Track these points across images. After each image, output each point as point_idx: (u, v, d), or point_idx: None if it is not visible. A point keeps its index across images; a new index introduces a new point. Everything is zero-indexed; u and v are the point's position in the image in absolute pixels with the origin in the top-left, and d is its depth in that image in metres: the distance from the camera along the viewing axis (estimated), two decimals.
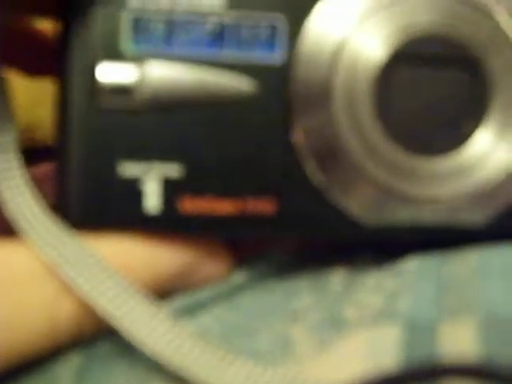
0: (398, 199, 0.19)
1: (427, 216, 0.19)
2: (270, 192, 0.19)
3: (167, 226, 0.19)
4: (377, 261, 0.21)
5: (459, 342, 0.17)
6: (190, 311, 0.20)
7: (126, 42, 0.18)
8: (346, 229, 0.19)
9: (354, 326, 0.18)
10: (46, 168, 0.21)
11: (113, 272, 0.18)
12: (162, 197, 0.18)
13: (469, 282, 0.19)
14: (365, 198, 0.19)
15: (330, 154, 0.19)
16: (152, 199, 0.18)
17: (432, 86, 0.19)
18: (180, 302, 0.20)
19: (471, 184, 0.19)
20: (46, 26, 0.23)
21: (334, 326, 0.19)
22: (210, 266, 0.20)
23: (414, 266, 0.20)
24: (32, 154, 0.21)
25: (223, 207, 0.19)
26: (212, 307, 0.20)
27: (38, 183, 0.20)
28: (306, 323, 0.19)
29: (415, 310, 0.18)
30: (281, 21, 0.18)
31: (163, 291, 0.19)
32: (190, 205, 0.18)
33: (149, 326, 0.17)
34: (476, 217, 0.20)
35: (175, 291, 0.20)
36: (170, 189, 0.18)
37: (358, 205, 0.19)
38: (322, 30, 0.19)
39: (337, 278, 0.20)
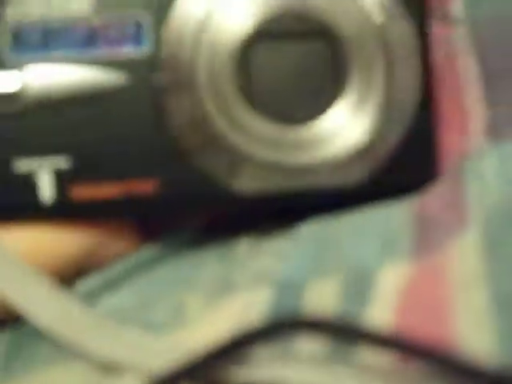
0: (266, 168, 0.20)
1: (303, 182, 0.20)
2: (150, 173, 0.20)
3: (62, 213, 0.20)
4: (278, 226, 0.22)
5: (322, 298, 0.18)
6: (101, 290, 0.21)
7: (7, 53, 0.20)
8: (226, 202, 0.21)
9: (240, 289, 0.19)
10: None
11: (17, 261, 0.19)
12: (55, 187, 0.20)
13: (344, 241, 0.20)
14: (236, 170, 0.20)
15: (200, 131, 0.20)
16: (46, 190, 0.20)
17: (292, 60, 0.20)
18: (94, 280, 0.21)
19: (341, 147, 0.20)
20: None
21: (226, 290, 0.20)
22: (115, 244, 0.21)
23: (303, 231, 0.21)
24: None
25: (110, 191, 0.20)
26: (121, 283, 0.21)
27: None
28: (202, 290, 0.20)
29: (290, 271, 0.19)
30: (145, 16, 0.20)
31: (74, 272, 0.21)
32: (81, 192, 0.20)
33: (41, 302, 0.19)
34: (352, 178, 0.21)
35: (86, 271, 0.21)
36: (62, 179, 0.20)
37: (231, 176, 0.20)
38: (183, 17, 0.20)
39: (242, 247, 0.21)
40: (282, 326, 0.17)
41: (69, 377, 0.19)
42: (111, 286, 0.21)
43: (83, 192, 0.20)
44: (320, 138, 0.20)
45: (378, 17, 0.20)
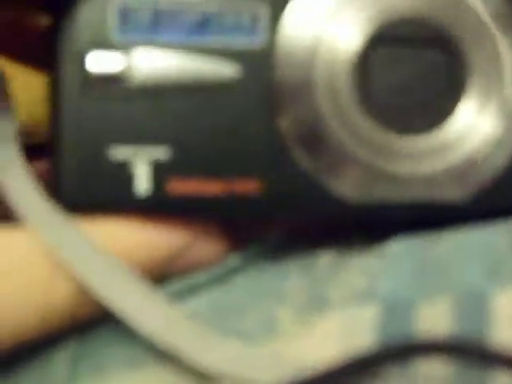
0: (381, 178, 0.20)
1: (410, 193, 0.20)
2: (257, 173, 0.19)
3: (157, 207, 0.19)
4: (364, 243, 0.21)
5: (434, 320, 0.18)
6: (185, 294, 0.20)
7: (114, 32, 0.19)
8: (331, 209, 0.20)
9: (335, 307, 0.19)
10: (44, 164, 0.22)
11: (107, 255, 0.18)
12: (151, 179, 0.19)
13: (448, 261, 0.19)
14: (350, 178, 0.20)
15: (315, 137, 0.19)
16: (142, 181, 0.19)
17: (410, 66, 0.20)
18: (174, 285, 0.20)
19: (454, 160, 0.20)
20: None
21: (318, 306, 0.19)
22: (204, 248, 0.20)
23: (397, 248, 0.20)
24: (32, 151, 0.22)
25: (210, 188, 0.19)
26: (205, 290, 0.20)
27: (37, 178, 0.20)
28: (291, 304, 0.19)
29: (393, 290, 0.19)
30: (262, 7, 0.19)
31: (158, 274, 0.20)
32: (179, 186, 0.19)
33: (143, 308, 0.18)
34: (458, 194, 0.20)
35: (171, 274, 0.20)
36: (159, 171, 0.19)
37: (343, 185, 0.20)
38: (301, 16, 0.19)
39: (325, 260, 0.21)
40: (396, 349, 0.16)
41: (155, 383, 0.18)
42: (193, 291, 0.20)
43: (181, 187, 0.19)
44: (438, 148, 0.20)
45: (492, 25, 0.20)
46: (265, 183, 0.19)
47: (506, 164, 0.20)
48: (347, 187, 0.20)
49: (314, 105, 0.19)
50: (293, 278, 0.20)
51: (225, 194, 0.19)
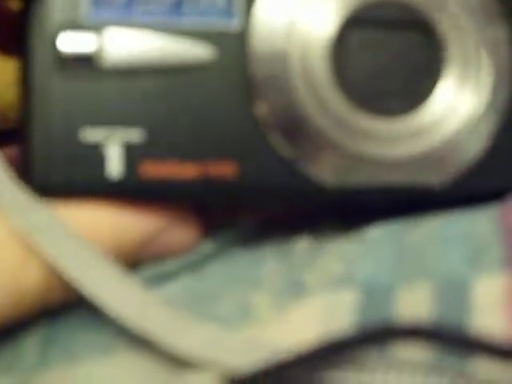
0: (360, 162, 0.19)
1: (389, 178, 0.20)
2: (232, 156, 0.19)
3: (130, 191, 0.19)
4: (342, 228, 0.21)
5: (414, 305, 0.18)
6: (158, 280, 0.20)
7: (86, 12, 0.18)
8: (309, 193, 0.20)
9: (313, 291, 0.19)
10: (15, 150, 0.21)
11: (79, 238, 0.18)
12: (124, 161, 0.18)
13: (428, 247, 0.19)
14: (328, 163, 0.19)
15: (292, 122, 0.19)
16: (114, 164, 0.18)
17: (387, 48, 0.19)
18: (148, 271, 0.20)
19: (431, 144, 0.20)
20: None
21: (295, 291, 0.19)
22: (177, 232, 0.20)
23: (376, 234, 0.20)
24: (2, 136, 0.22)
25: (185, 171, 0.19)
26: (179, 276, 0.20)
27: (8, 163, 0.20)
28: (267, 289, 0.19)
29: (373, 275, 0.19)
30: None
31: (131, 259, 0.19)
32: (152, 169, 0.19)
33: (116, 292, 0.17)
34: (436, 178, 0.20)
35: (144, 260, 0.20)
36: (132, 153, 0.18)
37: (321, 170, 0.19)
38: None
39: (302, 245, 0.21)
40: (375, 332, 0.16)
41: (128, 369, 0.18)
42: (166, 278, 0.20)
43: (155, 170, 0.19)
44: (415, 131, 0.20)
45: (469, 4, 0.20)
46: (241, 167, 0.19)
47: (485, 148, 0.20)
48: (325, 172, 0.19)
49: (290, 89, 0.19)
50: (269, 263, 0.20)
51: (200, 178, 0.19)
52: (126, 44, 0.18)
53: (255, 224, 0.22)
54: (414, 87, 0.20)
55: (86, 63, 0.18)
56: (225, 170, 0.19)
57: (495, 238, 0.19)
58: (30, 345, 0.19)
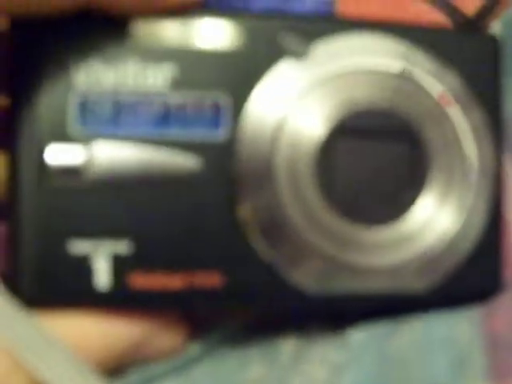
0: (342, 269, 0.20)
1: (372, 284, 0.20)
2: (218, 266, 0.19)
3: (118, 301, 0.19)
4: (325, 329, 0.21)
5: None
6: None
7: (74, 124, 0.18)
8: (292, 300, 0.20)
9: None
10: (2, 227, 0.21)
11: (66, 351, 0.18)
12: (111, 273, 0.18)
13: (411, 355, 0.19)
14: (311, 269, 0.19)
15: (276, 228, 0.19)
16: (102, 276, 0.18)
17: (373, 158, 0.20)
18: (135, 375, 0.20)
19: (413, 252, 0.20)
20: None
21: None
22: (164, 338, 0.20)
23: (358, 338, 0.20)
24: None
25: (172, 281, 0.19)
26: (166, 380, 0.20)
27: None
28: None
29: None
30: (224, 98, 0.19)
31: (119, 364, 0.19)
32: (140, 280, 0.19)
33: None
34: (419, 284, 0.20)
35: (131, 364, 0.20)
36: (120, 265, 0.19)
37: (305, 276, 0.19)
38: (263, 107, 0.19)
39: (286, 348, 0.21)
40: None
41: None
42: (153, 381, 0.20)
43: (142, 281, 0.19)
44: (399, 239, 0.20)
45: (453, 111, 0.20)
46: (225, 275, 0.19)
47: (468, 255, 0.20)
48: (308, 278, 0.19)
49: (274, 194, 0.19)
50: (255, 367, 0.21)
51: (186, 288, 0.19)
52: (113, 156, 0.18)
53: (240, 326, 0.22)
54: (398, 196, 0.20)
55: (73, 175, 0.18)
56: (210, 279, 0.19)
57: (477, 345, 0.19)
58: None
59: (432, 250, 0.20)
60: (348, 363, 0.20)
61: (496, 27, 0.22)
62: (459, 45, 0.21)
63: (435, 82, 0.20)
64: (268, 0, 0.27)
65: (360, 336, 0.20)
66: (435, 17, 0.22)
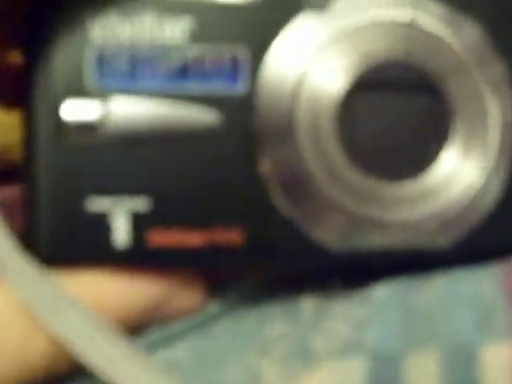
0: (365, 225, 0.20)
1: (395, 240, 0.20)
2: (238, 222, 0.19)
3: (137, 259, 0.19)
4: (347, 287, 0.21)
5: (423, 375, 0.18)
6: (166, 341, 0.20)
7: (90, 79, 0.18)
8: (314, 257, 0.20)
9: (321, 358, 0.19)
10: (17, 189, 0.22)
11: (84, 309, 0.18)
12: (130, 231, 0.19)
13: (435, 310, 0.20)
14: (333, 226, 0.20)
15: (297, 183, 0.19)
16: (120, 233, 0.19)
17: (394, 110, 0.20)
18: (155, 334, 0.20)
19: (437, 207, 0.20)
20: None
21: (303, 357, 0.19)
22: (184, 296, 0.20)
23: (381, 294, 0.20)
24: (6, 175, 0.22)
25: (191, 239, 0.19)
26: (186, 338, 0.20)
27: (11, 205, 0.21)
28: (275, 355, 0.20)
29: (381, 340, 0.19)
30: (243, 52, 0.19)
31: (139, 323, 0.20)
32: (159, 237, 0.19)
33: (119, 363, 0.18)
34: (443, 239, 0.21)
35: (150, 323, 0.20)
36: (138, 222, 0.19)
37: (327, 232, 0.20)
38: (282, 60, 0.19)
39: (307, 306, 0.21)
40: None
41: None
42: (173, 339, 0.20)
43: (161, 238, 0.19)
44: (422, 194, 0.20)
45: (472, 64, 0.20)
46: (246, 232, 0.19)
47: (490, 210, 0.21)
48: (330, 235, 0.20)
49: (295, 150, 0.19)
50: (276, 324, 0.21)
51: (206, 244, 0.19)
52: (131, 111, 0.19)
53: (260, 283, 0.22)
54: (420, 151, 0.20)
55: (90, 131, 0.18)
56: (230, 236, 0.19)
57: (500, 302, 0.19)
58: None
59: (455, 204, 0.20)
60: (371, 319, 0.20)
61: None
62: None
63: (452, 32, 0.20)
64: None
65: (383, 291, 0.20)
66: None
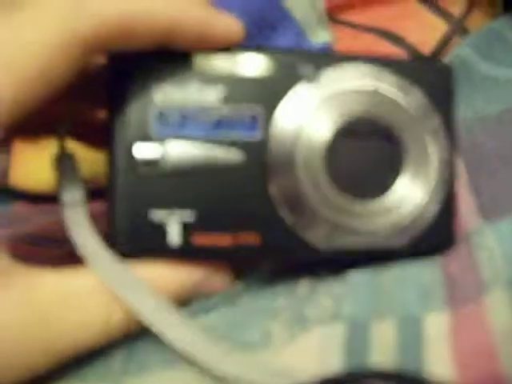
0: (343, 232, 0.26)
1: (364, 242, 0.26)
2: (256, 229, 0.25)
3: (185, 255, 0.25)
4: (332, 273, 0.27)
5: (384, 337, 0.22)
6: (203, 312, 0.25)
7: (153, 128, 0.24)
8: (308, 253, 0.26)
9: (313, 323, 0.24)
10: (100, 205, 0.27)
11: (149, 289, 0.23)
12: (180, 234, 0.25)
13: (392, 289, 0.24)
14: (321, 232, 0.26)
15: (296, 202, 0.25)
16: (173, 236, 0.25)
17: (365, 152, 0.26)
18: (195, 306, 0.26)
19: (396, 218, 0.26)
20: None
21: (300, 322, 0.24)
22: (216, 280, 0.26)
23: (354, 277, 0.25)
24: (94, 193, 0.28)
25: (223, 240, 0.25)
26: (219, 308, 0.25)
27: (97, 215, 0.26)
28: (281, 320, 0.24)
29: (354, 311, 0.24)
30: (259, 111, 0.25)
31: (186, 298, 0.25)
32: (200, 239, 0.25)
33: (174, 326, 0.22)
34: (398, 242, 0.26)
35: (195, 298, 0.26)
36: (186, 228, 0.24)
37: (317, 237, 0.26)
38: (286, 116, 0.25)
39: (303, 286, 0.26)
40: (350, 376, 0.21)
41: (186, 380, 0.23)
42: (209, 310, 0.25)
43: (202, 240, 0.25)
44: (383, 209, 0.26)
45: (418, 117, 0.27)
46: (261, 236, 0.25)
47: (431, 221, 0.27)
48: (319, 238, 0.26)
49: (295, 178, 0.25)
50: (280, 299, 0.26)
51: (233, 245, 0.25)
52: (181, 152, 0.25)
53: (271, 271, 0.27)
54: (382, 179, 0.26)
55: (153, 165, 0.24)
56: (250, 238, 0.25)
57: (438, 282, 0.24)
58: (117, 359, 0.24)
59: (407, 216, 0.26)
60: (347, 295, 0.24)
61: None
62: (422, 70, 0.27)
63: (403, 96, 0.26)
64: (287, 39, 0.35)
65: (356, 275, 0.25)
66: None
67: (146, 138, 0.24)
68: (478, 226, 0.26)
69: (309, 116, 0.26)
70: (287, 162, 0.25)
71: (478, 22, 0.43)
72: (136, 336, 0.24)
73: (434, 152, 0.27)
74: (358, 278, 0.26)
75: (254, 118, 0.25)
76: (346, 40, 0.44)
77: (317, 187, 0.25)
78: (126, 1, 0.22)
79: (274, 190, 0.25)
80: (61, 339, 0.22)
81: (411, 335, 0.22)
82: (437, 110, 0.27)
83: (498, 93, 0.35)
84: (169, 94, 0.25)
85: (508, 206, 0.26)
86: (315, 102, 0.26)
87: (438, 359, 0.21)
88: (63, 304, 0.23)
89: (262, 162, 0.25)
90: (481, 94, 0.35)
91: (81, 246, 0.24)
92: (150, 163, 0.25)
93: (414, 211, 0.27)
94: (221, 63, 0.25)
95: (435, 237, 0.27)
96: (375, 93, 0.26)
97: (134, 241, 0.25)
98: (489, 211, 0.27)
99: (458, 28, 0.43)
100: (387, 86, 0.26)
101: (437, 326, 0.22)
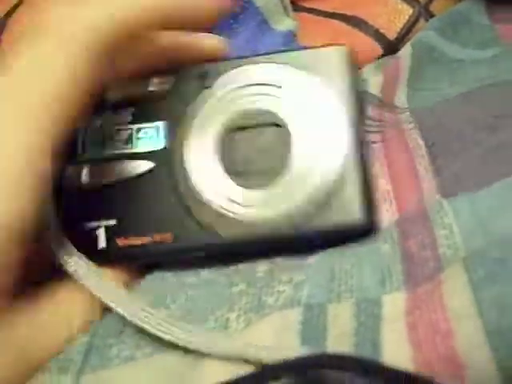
0: (234, 219, 0.28)
1: (256, 231, 0.27)
2: (168, 229, 0.28)
3: (111, 255, 0.29)
4: (291, 259, 0.27)
5: (341, 317, 0.23)
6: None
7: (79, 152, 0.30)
8: (212, 244, 0.28)
9: (272, 310, 0.24)
10: None
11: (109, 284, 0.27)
12: (106, 238, 0.28)
13: (350, 272, 0.25)
14: (223, 224, 0.28)
15: (199, 200, 0.28)
16: (101, 240, 0.28)
17: (256, 142, 0.28)
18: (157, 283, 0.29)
19: (296, 201, 0.27)
20: None
21: (258, 309, 0.25)
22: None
23: (312, 263, 0.26)
24: None
25: (142, 240, 0.28)
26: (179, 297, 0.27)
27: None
28: (239, 308, 0.25)
29: (312, 296, 0.24)
30: (163, 122, 0.30)
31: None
32: (122, 241, 0.28)
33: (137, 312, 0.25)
34: (305, 228, 0.27)
35: None
36: (111, 233, 0.28)
37: (220, 228, 0.28)
38: (187, 122, 0.29)
39: (261, 272, 0.27)
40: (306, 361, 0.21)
41: (151, 369, 0.24)
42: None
43: (123, 242, 0.29)
44: (282, 194, 0.27)
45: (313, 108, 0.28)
46: (173, 234, 0.28)
47: (339, 205, 0.27)
48: (222, 230, 0.28)
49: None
50: (239, 286, 0.26)
51: (150, 243, 0.28)
52: (98, 171, 0.30)
53: (228, 259, 0.29)
54: (272, 165, 0.28)
55: (79, 185, 0.29)
56: (164, 238, 0.28)
57: (398, 262, 0.24)
58: (78, 352, 0.25)
59: (306, 200, 0.27)
60: (305, 280, 0.25)
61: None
62: (318, 57, 0.29)
63: (299, 88, 0.28)
64: (250, 28, 0.37)
65: (313, 261, 0.25)
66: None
67: (75, 162, 0.29)
68: (437, 203, 0.26)
69: (204, 117, 0.29)
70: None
71: (443, 6, 0.43)
72: (96, 329, 0.26)
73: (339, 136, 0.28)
74: (315, 264, 0.26)
75: (158, 130, 0.29)
76: (310, 27, 0.45)
77: (212, 180, 0.28)
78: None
79: (181, 193, 0.29)
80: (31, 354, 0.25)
81: (368, 316, 0.22)
82: (335, 94, 0.28)
83: (462, 74, 0.35)
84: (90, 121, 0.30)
85: (467, 184, 0.26)
86: (212, 102, 0.29)
87: (395, 339, 0.21)
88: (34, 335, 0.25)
89: (170, 167, 0.29)
90: (447, 76, 0.35)
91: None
92: (77, 183, 0.29)
93: (312, 193, 0.28)
94: (131, 89, 0.30)
95: (351, 221, 0.27)
96: (265, 87, 0.29)
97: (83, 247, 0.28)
98: (448, 189, 0.27)
99: (424, 12, 0.42)
100: (279, 78, 0.29)
101: (394, 306, 0.22)
